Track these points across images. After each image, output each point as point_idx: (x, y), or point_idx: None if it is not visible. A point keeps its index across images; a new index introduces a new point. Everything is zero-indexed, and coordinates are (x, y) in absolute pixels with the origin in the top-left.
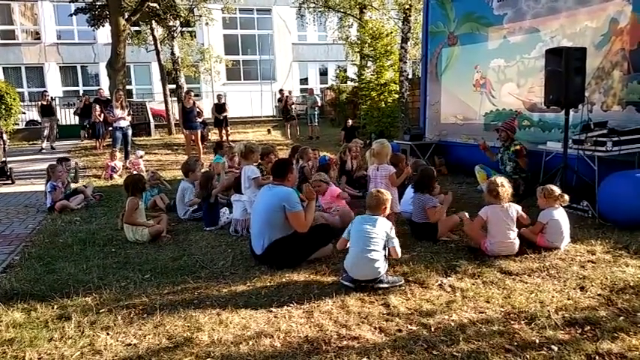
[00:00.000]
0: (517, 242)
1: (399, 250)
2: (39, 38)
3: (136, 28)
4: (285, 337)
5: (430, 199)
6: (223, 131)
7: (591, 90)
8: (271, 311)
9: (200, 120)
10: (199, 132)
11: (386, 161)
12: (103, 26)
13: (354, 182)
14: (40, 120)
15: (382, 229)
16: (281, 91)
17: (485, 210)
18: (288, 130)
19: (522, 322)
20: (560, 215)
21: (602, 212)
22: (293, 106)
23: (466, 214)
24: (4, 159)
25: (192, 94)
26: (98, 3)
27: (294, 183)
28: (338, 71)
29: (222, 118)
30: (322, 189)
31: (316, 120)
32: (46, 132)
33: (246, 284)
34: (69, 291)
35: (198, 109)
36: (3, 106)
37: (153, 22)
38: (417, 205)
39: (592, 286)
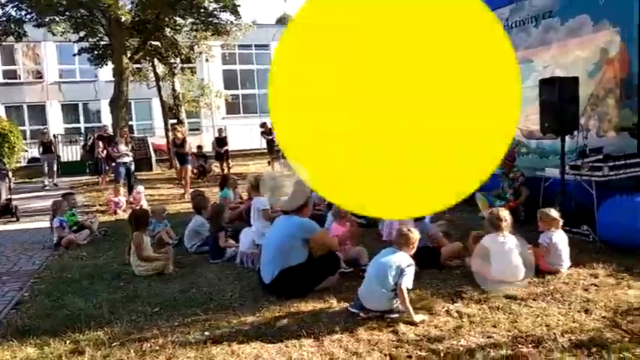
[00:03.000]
0: (522, 267)
1: (406, 294)
2: (41, 77)
3: (138, 66)
4: None
5: (430, 226)
6: (224, 164)
7: (587, 116)
8: (282, 341)
9: (189, 154)
10: (188, 167)
11: None
12: (106, 65)
13: None
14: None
15: (399, 262)
16: (264, 124)
17: (486, 239)
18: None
19: (530, 345)
20: (559, 238)
21: (602, 236)
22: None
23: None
24: (9, 196)
25: (183, 127)
26: (102, 43)
27: (307, 215)
28: None
29: (223, 151)
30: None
31: None
32: (45, 169)
33: (256, 315)
34: (80, 325)
35: (188, 144)
36: (7, 145)
37: (155, 59)
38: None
39: (596, 308)
